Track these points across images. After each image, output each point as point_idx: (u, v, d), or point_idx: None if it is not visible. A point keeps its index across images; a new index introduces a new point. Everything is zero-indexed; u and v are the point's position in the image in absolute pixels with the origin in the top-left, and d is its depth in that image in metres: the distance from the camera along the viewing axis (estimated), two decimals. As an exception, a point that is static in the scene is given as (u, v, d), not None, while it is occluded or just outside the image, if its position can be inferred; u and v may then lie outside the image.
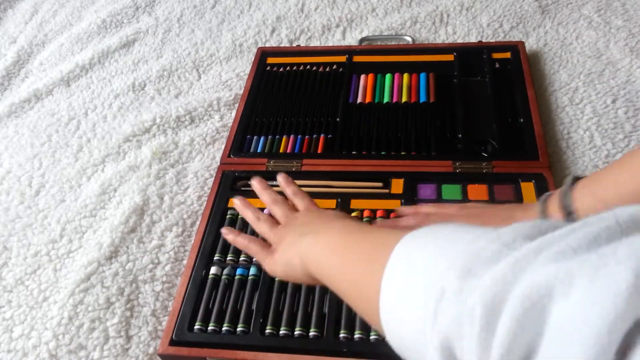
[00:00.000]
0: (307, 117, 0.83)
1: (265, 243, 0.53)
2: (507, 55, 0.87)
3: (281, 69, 0.92)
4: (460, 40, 0.96)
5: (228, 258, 0.67)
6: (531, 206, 0.48)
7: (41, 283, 0.70)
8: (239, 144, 0.81)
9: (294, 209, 0.55)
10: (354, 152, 0.78)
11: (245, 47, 1.02)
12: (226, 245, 0.69)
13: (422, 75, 0.86)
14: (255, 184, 0.59)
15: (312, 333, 0.60)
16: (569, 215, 0.43)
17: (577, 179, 0.46)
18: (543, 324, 0.20)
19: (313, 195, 0.72)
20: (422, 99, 0.83)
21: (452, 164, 0.73)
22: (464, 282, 0.24)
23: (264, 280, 0.65)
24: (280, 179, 0.58)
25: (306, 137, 0.81)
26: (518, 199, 0.68)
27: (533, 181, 0.69)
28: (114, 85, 0.98)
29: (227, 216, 0.72)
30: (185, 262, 0.70)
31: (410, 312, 0.29)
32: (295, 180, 0.74)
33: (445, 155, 0.75)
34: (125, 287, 0.68)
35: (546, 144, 0.74)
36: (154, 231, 0.74)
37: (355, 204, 0.71)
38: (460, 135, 0.77)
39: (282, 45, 1.01)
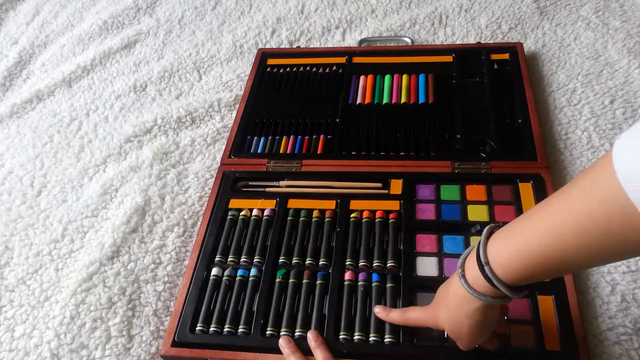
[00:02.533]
0: (307, 117, 0.84)
1: None
2: (506, 56, 0.87)
3: (281, 70, 0.92)
4: (459, 42, 0.96)
5: (229, 259, 0.68)
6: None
7: (43, 283, 0.71)
8: (239, 145, 0.81)
9: None
10: (353, 153, 0.78)
11: (245, 48, 1.02)
12: (227, 246, 0.70)
13: (421, 77, 0.87)
14: (284, 345, 0.59)
15: (311, 333, 0.60)
16: (483, 268, 0.43)
17: (495, 227, 0.45)
18: None
19: (313, 196, 0.73)
20: (421, 99, 0.83)
21: (451, 164, 0.74)
22: None
23: (265, 281, 0.65)
24: (310, 336, 0.60)
25: (306, 137, 0.81)
26: (516, 199, 0.69)
27: (531, 181, 0.70)
28: (115, 86, 0.98)
29: (228, 217, 0.72)
30: (186, 262, 0.71)
31: None
32: (295, 181, 0.75)
33: (444, 156, 0.75)
34: (127, 286, 0.69)
35: (544, 145, 0.75)
36: (156, 231, 0.74)
37: (354, 204, 0.71)
38: (458, 136, 0.77)
39: (282, 46, 1.01)
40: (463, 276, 0.45)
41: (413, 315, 0.56)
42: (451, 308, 0.48)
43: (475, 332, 0.49)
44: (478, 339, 0.50)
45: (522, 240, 0.41)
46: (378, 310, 0.60)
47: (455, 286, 0.47)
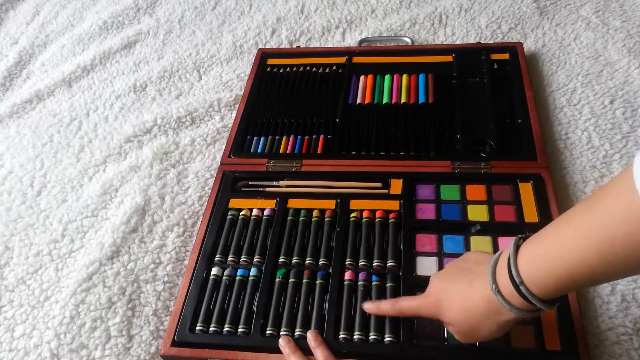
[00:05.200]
0: (307, 117, 0.84)
1: None
2: (506, 56, 0.87)
3: (281, 70, 0.92)
4: (459, 42, 0.96)
5: (229, 259, 0.68)
6: (484, 276, 0.48)
7: (43, 282, 0.71)
8: (239, 145, 0.81)
9: None
10: (353, 153, 0.78)
11: (245, 48, 1.02)
12: (227, 246, 0.70)
13: (421, 76, 0.87)
14: (284, 344, 0.59)
15: (311, 332, 0.60)
16: (518, 287, 0.44)
17: (520, 240, 0.46)
18: None
19: (312, 196, 0.73)
20: (421, 99, 0.83)
21: (451, 164, 0.74)
22: None
23: (265, 281, 0.65)
24: (310, 335, 0.60)
25: (306, 137, 0.81)
26: (516, 198, 0.69)
27: (531, 181, 0.70)
28: (115, 86, 0.98)
29: (228, 217, 0.72)
30: (186, 262, 0.71)
31: None
32: (295, 181, 0.75)
33: (444, 156, 0.75)
34: (127, 286, 0.69)
35: (544, 145, 0.75)
36: (155, 231, 0.74)
37: (354, 204, 0.71)
38: (458, 136, 0.77)
39: (282, 46, 1.01)
40: (499, 292, 0.46)
41: (407, 305, 0.56)
42: (475, 314, 0.49)
43: (494, 336, 0.49)
44: (490, 339, 0.51)
45: (550, 263, 0.42)
46: (368, 307, 0.59)
47: (483, 296, 0.47)
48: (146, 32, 1.10)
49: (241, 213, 0.72)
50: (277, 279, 0.65)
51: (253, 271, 0.67)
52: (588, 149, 0.76)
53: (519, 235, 0.47)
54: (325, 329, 0.60)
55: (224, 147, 0.82)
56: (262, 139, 0.82)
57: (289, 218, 0.71)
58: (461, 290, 0.50)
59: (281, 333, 0.61)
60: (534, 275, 0.43)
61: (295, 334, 0.61)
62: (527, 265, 0.44)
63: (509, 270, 0.45)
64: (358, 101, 0.85)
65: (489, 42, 0.95)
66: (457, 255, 0.64)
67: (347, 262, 0.66)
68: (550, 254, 0.42)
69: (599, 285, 0.62)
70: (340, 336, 0.60)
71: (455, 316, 0.50)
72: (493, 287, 0.46)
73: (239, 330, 0.61)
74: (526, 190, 0.69)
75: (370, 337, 0.59)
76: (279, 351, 0.59)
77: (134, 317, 0.66)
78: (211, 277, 0.66)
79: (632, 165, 0.35)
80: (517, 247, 0.45)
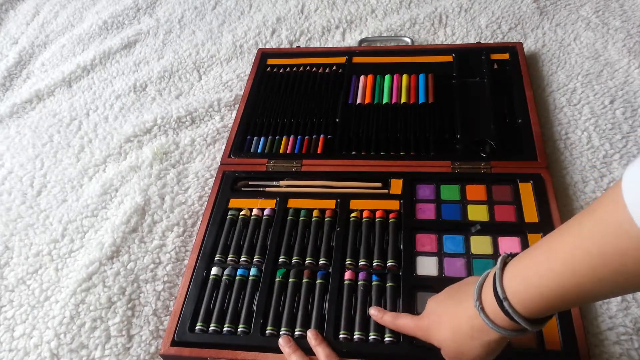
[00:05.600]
0: (307, 117, 0.84)
1: None
2: (506, 56, 0.87)
3: (281, 70, 0.92)
4: (459, 42, 0.96)
5: (229, 258, 0.68)
6: (470, 295, 0.47)
7: (43, 282, 0.71)
8: (239, 145, 0.81)
9: None
10: (353, 153, 0.78)
11: (245, 48, 1.02)
12: (227, 246, 0.69)
13: (421, 76, 0.87)
14: (284, 344, 0.59)
15: (311, 332, 0.60)
16: (502, 303, 0.43)
17: (508, 257, 0.45)
18: None
19: (313, 196, 0.73)
20: (421, 99, 0.83)
21: (451, 164, 0.74)
22: None
23: (264, 280, 0.65)
24: (310, 334, 0.60)
25: (306, 137, 0.81)
26: (516, 198, 0.69)
27: (531, 181, 0.70)
28: (115, 86, 0.98)
29: (228, 216, 0.72)
30: (186, 262, 0.71)
31: None
32: (295, 181, 0.75)
33: (444, 156, 0.75)
34: (127, 286, 0.69)
35: (544, 145, 0.75)
36: (155, 231, 0.74)
37: (354, 204, 0.71)
38: (458, 136, 0.77)
39: (282, 46, 1.01)
40: (482, 310, 0.45)
41: (402, 323, 0.56)
42: (460, 334, 0.48)
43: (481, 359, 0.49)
44: None
45: (538, 278, 0.41)
46: (373, 313, 0.60)
47: (468, 315, 0.47)
48: (146, 32, 1.10)
49: (241, 213, 0.72)
50: (277, 279, 0.65)
51: (253, 271, 0.67)
52: (588, 149, 0.76)
53: (507, 253, 0.46)
54: (325, 328, 0.60)
55: (224, 147, 0.82)
56: (262, 139, 0.82)
57: (289, 218, 0.71)
58: (449, 309, 0.50)
59: (281, 333, 0.61)
60: (520, 292, 0.42)
61: (295, 333, 0.61)
62: (513, 280, 0.43)
63: (494, 286, 0.44)
64: (358, 101, 0.85)
65: (489, 42, 0.95)
66: (457, 255, 0.65)
67: (347, 262, 0.66)
68: (539, 269, 0.41)
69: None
70: (340, 336, 0.60)
71: (443, 337, 0.50)
72: (477, 304, 0.45)
73: (239, 329, 0.61)
74: (526, 190, 0.69)
75: (370, 337, 0.59)
76: (279, 351, 0.59)
77: (134, 317, 0.66)
78: (211, 276, 0.66)
79: (621, 180, 0.35)
80: (504, 264, 0.44)
